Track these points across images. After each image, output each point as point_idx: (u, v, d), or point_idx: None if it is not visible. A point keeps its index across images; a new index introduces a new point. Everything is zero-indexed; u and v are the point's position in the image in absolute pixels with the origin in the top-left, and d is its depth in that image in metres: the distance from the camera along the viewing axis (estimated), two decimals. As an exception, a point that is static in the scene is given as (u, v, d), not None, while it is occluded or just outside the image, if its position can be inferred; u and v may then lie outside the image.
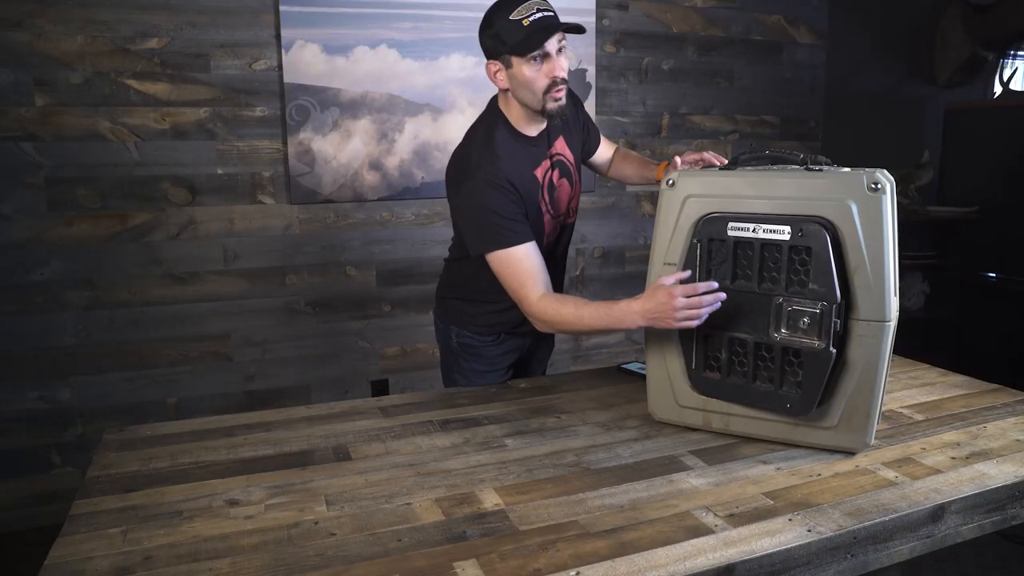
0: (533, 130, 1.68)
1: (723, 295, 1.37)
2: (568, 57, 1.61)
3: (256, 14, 2.67)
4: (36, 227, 2.52)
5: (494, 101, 1.69)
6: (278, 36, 2.69)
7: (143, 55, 2.56)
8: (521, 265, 1.55)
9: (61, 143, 2.51)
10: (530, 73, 1.55)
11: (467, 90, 2.95)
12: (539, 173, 1.68)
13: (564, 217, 1.79)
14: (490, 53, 1.59)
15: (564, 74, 1.58)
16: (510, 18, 1.51)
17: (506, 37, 1.53)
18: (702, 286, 1.37)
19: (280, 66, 2.71)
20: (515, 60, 1.55)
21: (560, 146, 1.75)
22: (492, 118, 1.66)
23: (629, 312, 1.43)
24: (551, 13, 1.55)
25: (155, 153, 2.62)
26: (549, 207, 1.71)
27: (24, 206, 2.50)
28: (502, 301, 1.68)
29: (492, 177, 1.55)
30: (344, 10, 2.74)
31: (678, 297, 1.36)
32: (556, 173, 1.73)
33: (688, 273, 1.40)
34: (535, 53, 1.53)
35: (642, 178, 1.96)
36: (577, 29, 1.55)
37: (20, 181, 2.48)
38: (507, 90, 1.62)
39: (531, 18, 1.51)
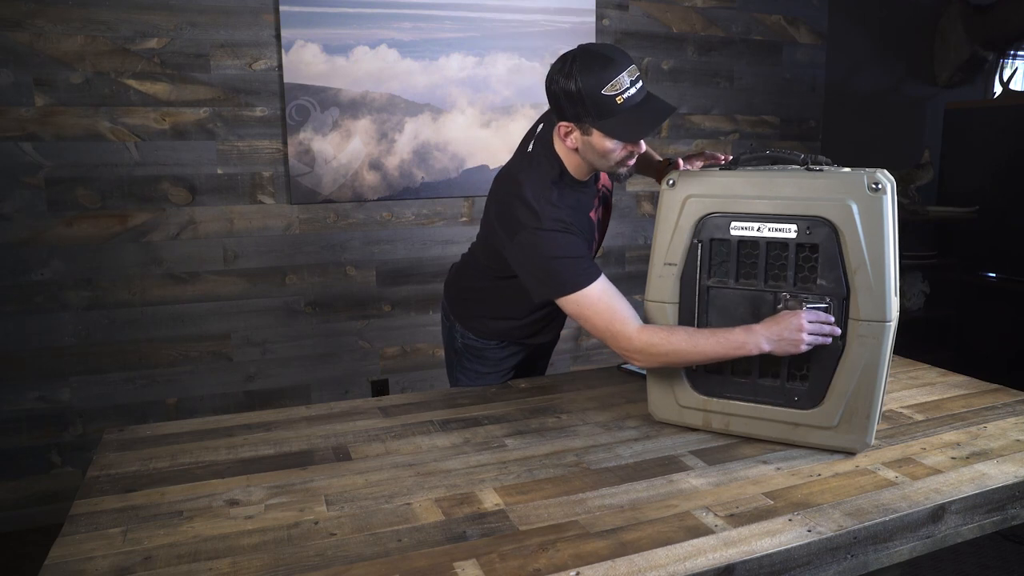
0: (586, 175, 1.58)
1: (838, 331, 1.34)
2: None
3: (256, 14, 2.67)
4: (36, 227, 2.52)
5: (548, 139, 1.56)
6: (278, 36, 2.69)
7: (143, 55, 2.56)
8: (603, 302, 1.43)
9: (61, 143, 2.51)
10: (610, 146, 1.44)
11: (467, 90, 2.95)
12: (593, 215, 1.64)
13: (599, 242, 1.76)
14: (567, 115, 1.44)
15: (644, 148, 1.50)
16: (602, 93, 1.37)
17: (594, 110, 1.39)
18: (825, 316, 1.34)
19: (280, 66, 2.70)
20: (597, 132, 1.43)
21: (603, 177, 1.70)
22: (548, 164, 1.54)
23: (752, 336, 1.35)
24: (641, 84, 1.42)
25: (155, 153, 2.62)
26: (596, 243, 1.70)
27: (24, 206, 2.50)
28: (523, 318, 1.69)
29: (557, 224, 1.46)
30: (344, 10, 2.74)
31: (806, 320, 1.33)
32: (602, 208, 1.70)
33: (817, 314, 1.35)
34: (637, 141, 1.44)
35: (643, 175, 1.96)
36: (674, 110, 1.45)
37: (20, 181, 2.48)
38: (575, 149, 1.51)
39: (625, 95, 1.39)
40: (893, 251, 1.31)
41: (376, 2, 2.78)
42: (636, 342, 1.41)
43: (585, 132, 1.45)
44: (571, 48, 1.46)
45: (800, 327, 1.33)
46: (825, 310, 1.35)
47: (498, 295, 1.73)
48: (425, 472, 1.33)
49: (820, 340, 1.34)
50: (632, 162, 1.52)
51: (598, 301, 1.44)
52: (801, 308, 1.35)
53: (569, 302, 1.46)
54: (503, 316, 1.77)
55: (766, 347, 1.35)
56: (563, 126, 1.47)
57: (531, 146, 1.60)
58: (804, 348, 1.34)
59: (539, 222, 1.45)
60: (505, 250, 1.55)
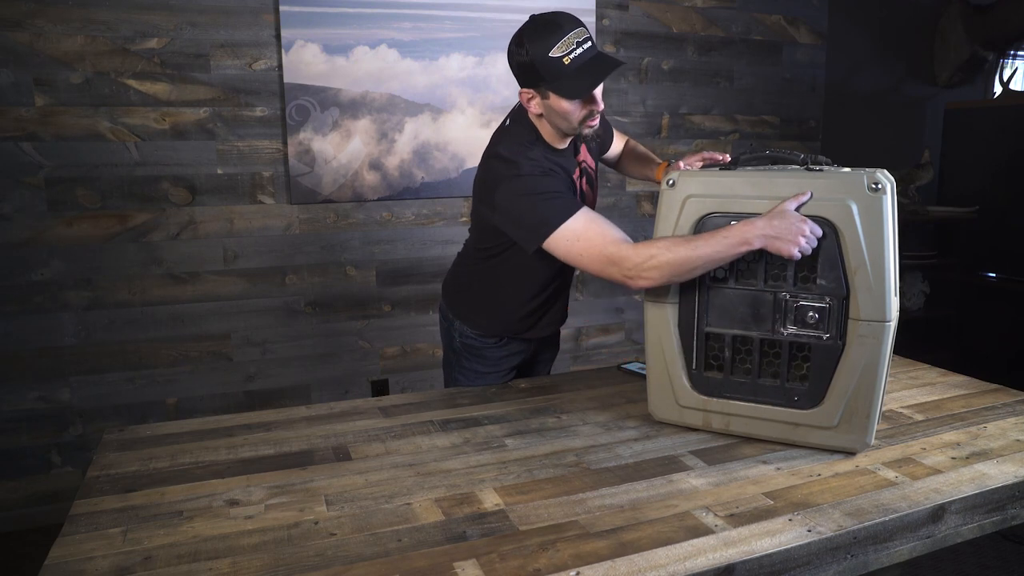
0: (563, 143, 1.64)
1: (819, 231, 1.31)
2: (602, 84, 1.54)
3: (256, 14, 2.67)
4: (36, 227, 2.52)
5: (523, 113, 1.62)
6: (278, 36, 2.69)
7: (143, 55, 2.56)
8: (592, 230, 1.43)
9: (61, 143, 2.51)
10: (569, 106, 1.50)
11: (467, 90, 2.95)
12: (575, 179, 1.66)
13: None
14: (524, 82, 1.52)
15: (602, 105, 1.53)
16: (549, 55, 1.43)
17: (545, 73, 1.46)
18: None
19: (280, 66, 2.71)
20: (552, 93, 1.49)
21: (584, 153, 1.74)
22: (525, 130, 1.60)
23: (749, 229, 1.32)
24: (588, 43, 1.47)
25: (155, 153, 2.62)
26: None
27: (24, 206, 2.50)
28: (520, 304, 1.69)
29: (536, 168, 1.50)
30: (344, 10, 2.74)
31: (808, 227, 1.29)
32: (584, 181, 1.72)
33: (809, 195, 1.32)
34: (582, 97, 1.48)
35: (643, 176, 1.96)
36: (619, 64, 1.48)
37: (20, 181, 2.48)
38: (540, 114, 1.57)
39: (572, 55, 1.44)
40: (893, 251, 1.31)
41: (376, 2, 2.78)
42: (636, 258, 1.38)
43: (543, 96, 1.51)
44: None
45: (801, 231, 1.29)
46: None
47: (493, 280, 1.74)
48: (425, 472, 1.33)
49: (808, 249, 1.31)
50: (595, 121, 1.56)
51: (586, 230, 1.44)
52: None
53: (559, 240, 1.45)
54: (500, 303, 1.77)
55: (758, 242, 1.32)
56: (523, 93, 1.54)
57: (507, 120, 1.67)
58: (795, 253, 1.30)
59: (517, 169, 1.50)
60: (493, 214, 1.56)
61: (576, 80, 1.46)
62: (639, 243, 1.42)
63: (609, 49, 3.22)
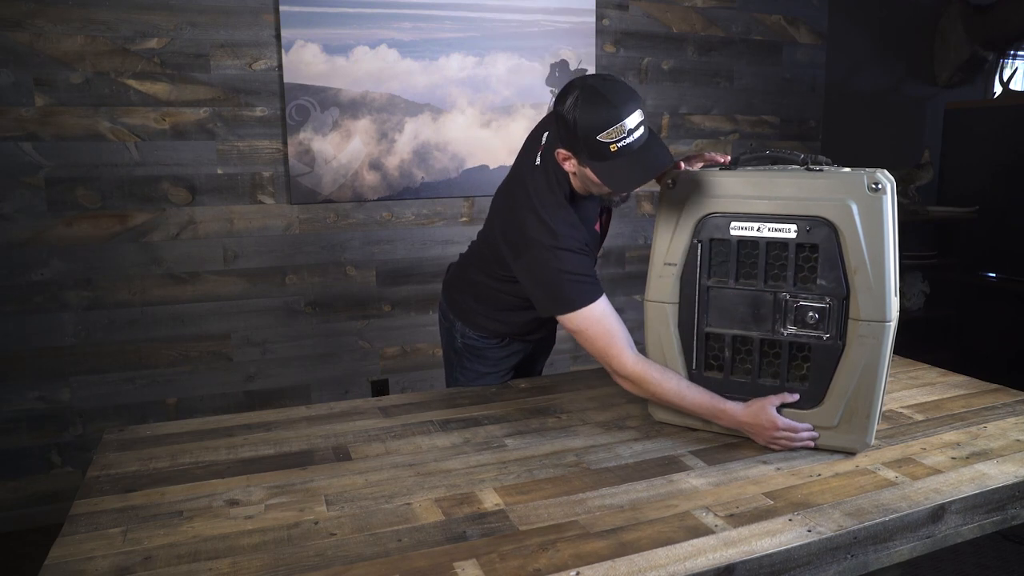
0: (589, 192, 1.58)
1: (816, 435, 1.40)
2: None
3: (256, 14, 2.67)
4: (36, 227, 2.52)
5: (553, 156, 1.52)
6: (278, 36, 2.69)
7: (143, 55, 2.56)
8: (603, 324, 1.47)
9: (61, 143, 2.51)
10: (602, 183, 1.44)
11: (467, 90, 2.95)
12: (597, 227, 1.66)
13: (601, 245, 1.76)
14: (563, 143, 1.44)
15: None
16: (598, 138, 1.35)
17: (588, 150, 1.38)
18: (802, 427, 1.39)
19: (280, 66, 2.70)
20: (590, 171, 1.43)
21: None
22: (555, 177, 1.53)
23: (731, 415, 1.43)
24: (641, 131, 1.37)
25: (155, 153, 2.62)
26: (599, 250, 1.70)
27: (24, 206, 2.50)
28: (524, 318, 1.70)
29: (573, 244, 1.48)
30: (344, 10, 2.74)
31: (780, 430, 1.39)
32: (605, 216, 1.70)
33: (796, 397, 1.40)
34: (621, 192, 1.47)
35: None
36: (668, 164, 1.41)
37: (20, 181, 2.48)
38: (572, 172, 1.50)
39: (621, 144, 1.35)
40: (893, 251, 1.31)
41: (376, 2, 2.78)
42: (629, 371, 1.47)
43: (581, 163, 1.44)
44: (579, 75, 1.44)
45: (771, 436, 1.40)
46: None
47: (501, 293, 1.73)
48: (425, 472, 1.33)
49: (786, 447, 1.41)
50: (627, 195, 1.55)
51: (598, 323, 1.47)
52: (788, 393, 1.41)
53: (573, 319, 1.48)
54: (504, 314, 1.77)
55: (735, 428, 1.45)
56: (561, 152, 1.46)
57: (539, 158, 1.59)
58: (763, 444, 1.42)
59: (555, 240, 1.47)
60: (514, 263, 1.55)
61: (619, 172, 1.39)
62: (648, 363, 1.49)
63: (609, 50, 3.22)
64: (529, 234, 1.49)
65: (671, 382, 1.46)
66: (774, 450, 1.41)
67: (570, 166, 1.48)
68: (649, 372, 1.47)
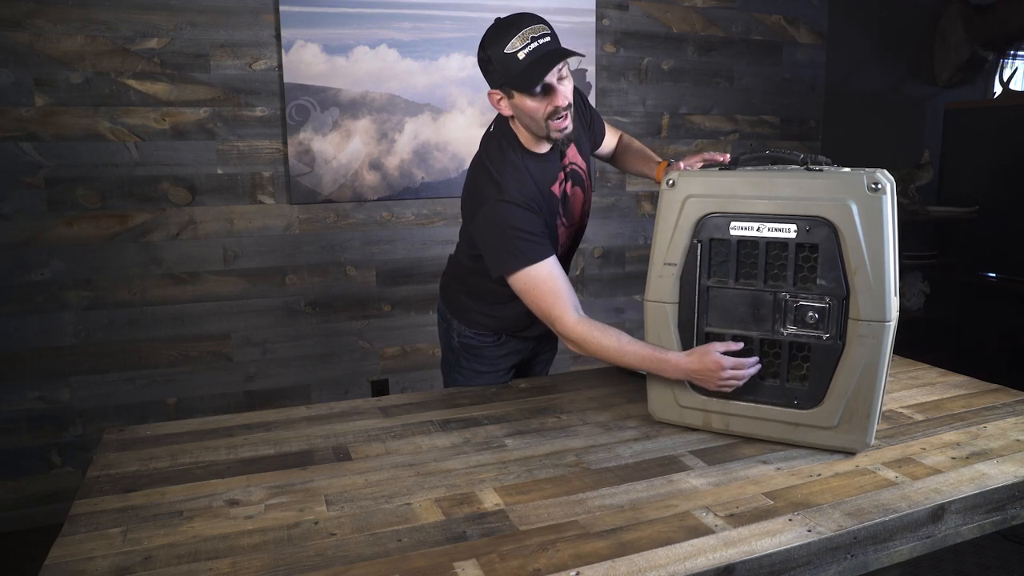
0: (544, 147, 1.62)
1: (760, 365, 1.41)
2: (571, 81, 1.54)
3: (256, 14, 2.67)
4: (36, 227, 2.52)
5: (503, 119, 1.63)
6: (278, 36, 2.69)
7: (143, 55, 2.56)
8: (548, 284, 1.50)
9: (61, 143, 2.51)
10: (532, 104, 1.49)
11: (467, 90, 2.95)
12: (556, 189, 1.66)
13: (578, 224, 1.78)
14: (490, 82, 1.53)
15: (567, 102, 1.52)
16: (505, 51, 1.44)
17: (503, 70, 1.46)
18: (748, 361, 1.40)
19: (280, 66, 2.71)
20: (516, 92, 1.49)
21: (572, 154, 1.71)
22: (504, 138, 1.60)
23: (674, 364, 1.44)
24: (546, 39, 1.46)
25: (155, 153, 2.62)
26: (564, 219, 1.70)
27: (24, 206, 2.50)
28: (515, 305, 1.68)
29: (516, 196, 1.51)
30: (344, 10, 2.74)
31: (727, 368, 1.39)
32: (570, 184, 1.71)
33: (740, 345, 1.41)
34: (535, 88, 1.47)
35: (641, 173, 1.95)
36: (573, 54, 1.47)
37: (20, 181, 2.49)
38: (512, 116, 1.58)
39: (526, 50, 1.44)
40: (893, 251, 1.31)
41: (376, 2, 2.78)
42: (570, 330, 1.50)
43: (508, 95, 1.51)
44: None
45: (719, 377, 1.40)
46: (748, 352, 1.41)
47: (487, 286, 1.73)
48: (425, 472, 1.33)
49: (735, 384, 1.41)
50: (564, 123, 1.53)
51: (544, 282, 1.50)
52: (732, 342, 1.41)
53: (518, 279, 1.51)
54: (494, 302, 1.77)
55: (681, 377, 1.45)
56: (491, 94, 1.55)
57: (491, 126, 1.67)
58: (714, 388, 1.43)
59: (500, 193, 1.51)
60: (471, 228, 1.60)
61: (527, 71, 1.45)
62: (589, 322, 1.50)
63: (609, 50, 3.22)
64: (480, 191, 1.55)
65: (611, 339, 1.48)
66: (725, 391, 1.42)
67: (504, 107, 1.54)
68: (591, 331, 1.49)
